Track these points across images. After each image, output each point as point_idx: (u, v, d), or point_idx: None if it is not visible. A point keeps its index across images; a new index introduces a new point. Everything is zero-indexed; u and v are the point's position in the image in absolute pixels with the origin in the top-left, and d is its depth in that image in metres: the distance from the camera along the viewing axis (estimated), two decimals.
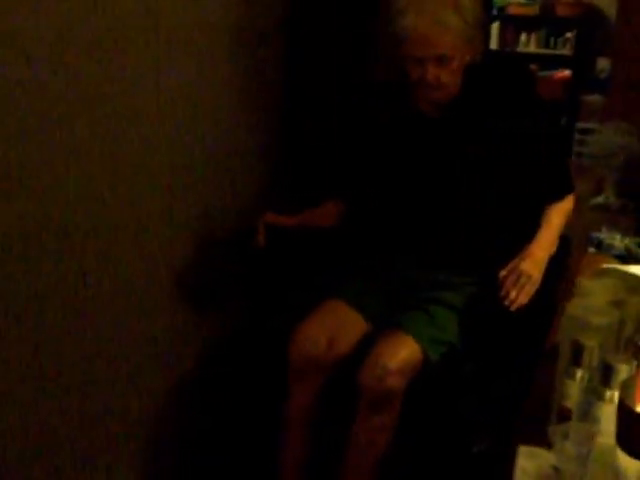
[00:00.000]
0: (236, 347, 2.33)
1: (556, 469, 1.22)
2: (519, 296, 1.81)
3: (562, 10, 6.47)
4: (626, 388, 1.03)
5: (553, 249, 1.95)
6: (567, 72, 6.57)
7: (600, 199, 2.71)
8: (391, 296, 2.00)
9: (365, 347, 1.88)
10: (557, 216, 1.97)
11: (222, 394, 2.30)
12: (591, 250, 2.19)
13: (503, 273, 1.84)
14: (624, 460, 1.02)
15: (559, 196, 1.99)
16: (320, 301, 2.01)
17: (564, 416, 1.29)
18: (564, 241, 2.02)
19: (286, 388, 1.96)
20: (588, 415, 1.21)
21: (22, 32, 1.43)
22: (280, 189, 2.38)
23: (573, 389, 1.27)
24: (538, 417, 1.34)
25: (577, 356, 1.27)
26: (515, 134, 1.86)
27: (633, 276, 1.63)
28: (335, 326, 1.93)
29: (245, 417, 2.25)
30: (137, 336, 1.91)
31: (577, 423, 1.24)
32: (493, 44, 6.78)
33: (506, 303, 1.81)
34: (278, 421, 1.98)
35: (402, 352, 1.80)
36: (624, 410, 1.01)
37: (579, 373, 1.27)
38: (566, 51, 6.61)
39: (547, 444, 1.25)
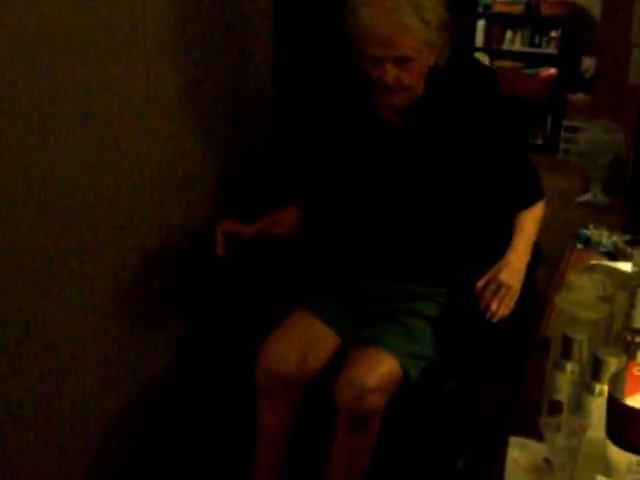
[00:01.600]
0: (204, 357, 2.21)
1: (547, 461, 1.24)
2: (500, 308, 1.74)
3: (547, 9, 6.53)
4: (615, 381, 1.05)
5: (529, 257, 1.87)
6: (552, 70, 6.62)
7: (588, 196, 2.74)
8: (363, 308, 1.90)
9: (339, 363, 1.79)
10: (530, 223, 1.89)
11: (191, 402, 2.19)
12: (579, 247, 2.21)
13: (481, 284, 1.76)
14: (614, 452, 1.04)
15: (529, 202, 1.91)
16: (289, 311, 1.91)
17: (555, 409, 1.31)
18: (536, 249, 1.93)
19: (254, 407, 1.86)
20: (579, 408, 1.24)
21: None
22: (241, 195, 2.27)
23: (563, 382, 1.29)
24: (529, 409, 1.36)
25: (567, 350, 1.29)
26: (477, 137, 1.80)
27: (621, 272, 1.66)
28: (305, 341, 1.83)
29: (216, 429, 2.18)
30: (103, 343, 1.84)
31: (568, 416, 1.26)
32: (479, 42, 6.83)
33: (487, 315, 1.74)
34: (250, 438, 1.88)
35: (380, 369, 1.71)
36: (613, 403, 1.03)
37: (569, 366, 1.29)
38: (551, 50, 6.67)
39: (539, 436, 1.27)
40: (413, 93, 1.76)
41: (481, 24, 6.82)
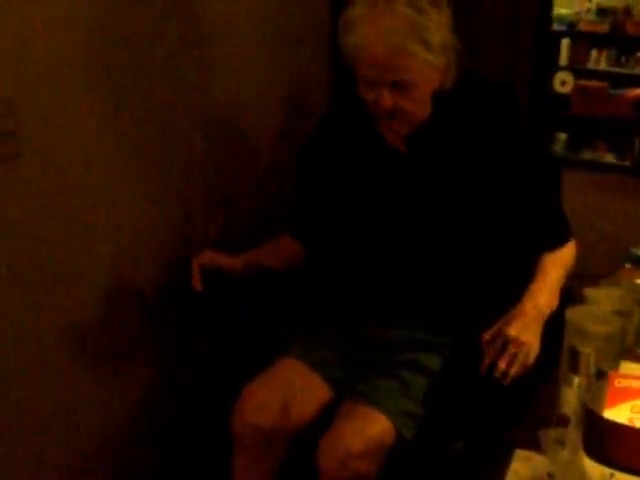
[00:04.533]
0: (174, 404, 2.01)
1: (550, 476, 1.23)
2: (511, 367, 1.51)
3: (633, 29, 6.37)
4: (595, 392, 1.04)
5: (553, 307, 1.62)
6: (639, 91, 6.45)
7: None
8: (357, 356, 1.71)
9: (327, 417, 1.63)
10: (554, 268, 1.66)
11: (159, 456, 2.02)
12: (627, 266, 2.16)
13: (486, 337, 1.54)
14: (587, 464, 1.03)
15: (554, 244, 1.69)
16: (274, 356, 1.72)
17: (563, 423, 1.30)
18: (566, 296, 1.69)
19: (230, 464, 1.69)
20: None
21: None
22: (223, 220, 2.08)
23: (570, 396, 1.28)
24: (537, 422, 1.35)
25: (574, 363, 1.28)
26: (489, 169, 1.63)
27: None
28: (290, 391, 1.65)
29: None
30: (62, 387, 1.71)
31: (573, 430, 1.25)
32: (563, 60, 6.72)
33: (496, 375, 1.51)
34: None
35: (369, 430, 1.54)
36: (590, 415, 1.01)
37: (576, 380, 1.27)
38: (638, 70, 6.49)
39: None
40: (416, 119, 1.62)
41: (565, 42, 6.71)
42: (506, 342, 1.51)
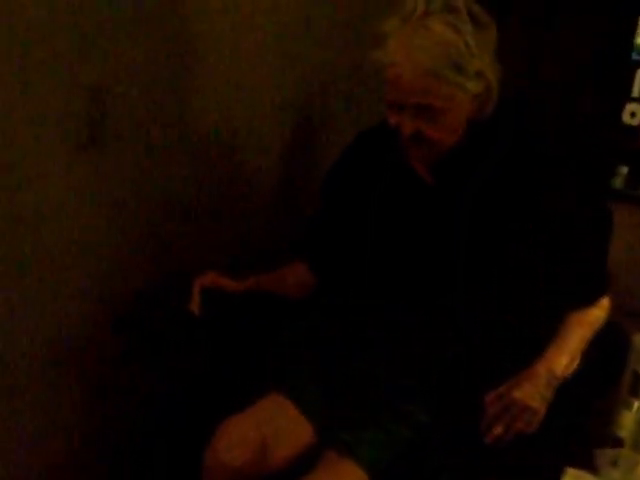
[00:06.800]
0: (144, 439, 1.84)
1: None
2: (507, 432, 1.37)
3: None
4: None
5: (570, 371, 1.45)
6: None
7: None
8: (346, 394, 1.54)
9: (310, 460, 1.45)
10: (580, 328, 1.47)
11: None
12: None
13: (489, 397, 1.40)
14: None
15: (583, 301, 1.49)
16: (258, 392, 1.56)
17: (619, 444, 1.31)
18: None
19: None
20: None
21: None
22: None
23: (628, 419, 1.29)
24: (592, 443, 1.36)
25: (635, 387, 1.29)
26: (516, 212, 1.45)
27: None
28: (270, 429, 1.49)
29: None
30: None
31: (627, 451, 1.27)
32: (636, 92, 6.63)
33: (487, 439, 1.37)
34: None
35: None
36: None
37: (635, 404, 1.29)
38: None
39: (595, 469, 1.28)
40: (442, 147, 1.45)
41: None
42: (509, 405, 1.37)
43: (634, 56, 5.60)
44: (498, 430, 1.35)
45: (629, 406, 1.30)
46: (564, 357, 1.42)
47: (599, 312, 1.48)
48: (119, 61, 1.52)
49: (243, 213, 1.95)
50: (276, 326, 1.67)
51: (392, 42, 1.37)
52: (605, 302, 1.49)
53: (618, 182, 4.48)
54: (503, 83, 1.43)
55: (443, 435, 1.41)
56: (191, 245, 1.82)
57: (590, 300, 1.47)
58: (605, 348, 1.51)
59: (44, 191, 1.45)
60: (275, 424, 1.49)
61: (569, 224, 1.45)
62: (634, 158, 4.45)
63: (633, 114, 4.95)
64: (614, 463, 1.25)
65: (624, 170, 4.74)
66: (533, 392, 1.37)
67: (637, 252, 2.83)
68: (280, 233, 2.03)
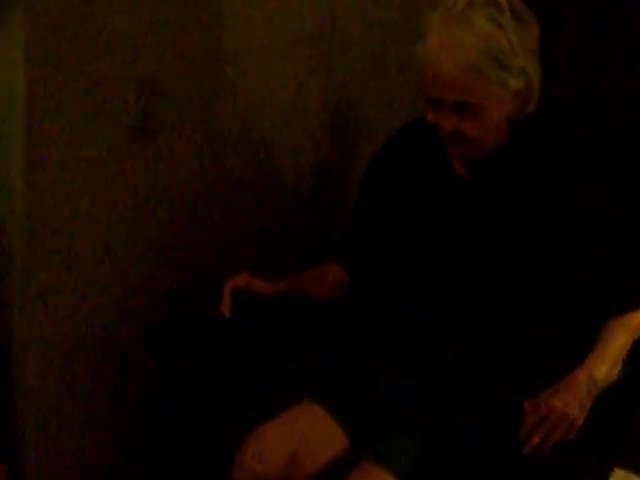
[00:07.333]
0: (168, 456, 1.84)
1: None
2: (545, 442, 1.34)
3: None
4: None
5: (611, 377, 1.43)
6: None
7: None
8: (383, 406, 1.47)
9: (341, 469, 1.41)
10: (622, 333, 1.44)
11: None
12: None
13: (528, 405, 1.37)
14: None
15: (626, 307, 1.45)
16: (290, 402, 1.51)
17: None
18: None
19: None
20: None
21: None
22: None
23: None
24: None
25: None
26: (551, 215, 1.41)
27: None
28: (302, 440, 1.44)
29: None
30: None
31: None
32: None
33: (526, 450, 1.34)
34: None
35: None
36: None
37: None
38: None
39: None
40: (482, 147, 1.43)
41: None
42: (548, 413, 1.35)
43: None
44: (536, 439, 1.33)
45: None
46: (605, 364, 1.41)
47: None
48: (173, 54, 1.65)
49: (274, 211, 1.94)
50: (285, 326, 1.65)
51: (432, 37, 1.36)
52: None
53: None
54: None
55: (482, 442, 1.37)
56: (227, 240, 1.85)
57: (634, 305, 1.45)
58: None
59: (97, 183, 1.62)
60: (308, 433, 1.45)
61: (607, 227, 1.43)
62: None
63: None
64: None
65: None
66: (572, 400, 1.36)
67: None
68: (314, 233, 2.03)
